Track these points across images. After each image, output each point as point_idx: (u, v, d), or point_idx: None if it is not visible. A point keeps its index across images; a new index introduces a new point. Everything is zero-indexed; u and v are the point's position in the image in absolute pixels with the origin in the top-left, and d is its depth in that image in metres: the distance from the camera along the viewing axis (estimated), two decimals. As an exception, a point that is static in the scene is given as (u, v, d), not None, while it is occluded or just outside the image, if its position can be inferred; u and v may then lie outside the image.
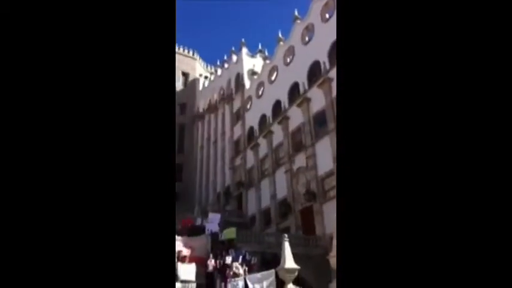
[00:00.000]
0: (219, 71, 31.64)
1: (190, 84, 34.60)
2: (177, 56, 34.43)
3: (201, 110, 32.48)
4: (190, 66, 35.62)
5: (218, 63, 33.78)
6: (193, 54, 36.63)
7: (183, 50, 36.02)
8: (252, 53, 28.16)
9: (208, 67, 37.47)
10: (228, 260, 10.81)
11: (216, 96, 30.40)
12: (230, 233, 13.21)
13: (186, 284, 9.26)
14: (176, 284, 9.32)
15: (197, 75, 35.24)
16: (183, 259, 10.88)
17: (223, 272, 10.60)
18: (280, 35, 23.18)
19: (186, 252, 11.39)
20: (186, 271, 10.18)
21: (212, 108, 30.45)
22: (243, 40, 28.43)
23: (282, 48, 22.50)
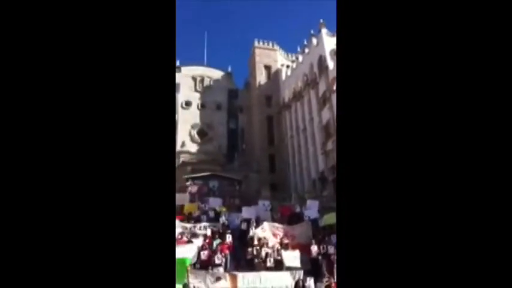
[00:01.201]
0: (300, 58, 31.12)
1: (274, 76, 34.80)
2: (257, 50, 34.99)
3: (286, 100, 32.46)
4: (272, 58, 35.79)
5: (298, 49, 33.24)
6: (272, 46, 36.71)
7: (262, 43, 36.35)
8: (333, 32, 26.92)
9: (289, 55, 37.16)
10: (331, 249, 10.54)
11: (300, 84, 30.03)
12: (330, 218, 12.86)
13: (293, 271, 9.29)
14: (282, 271, 9.42)
15: (279, 66, 35.25)
16: (286, 246, 10.97)
17: (328, 257, 10.37)
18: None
19: (288, 239, 11.47)
20: (291, 258, 10.22)
21: (297, 96, 30.18)
22: (321, 21, 27.40)
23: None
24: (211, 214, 15.48)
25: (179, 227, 12.71)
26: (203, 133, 31.96)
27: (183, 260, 8.98)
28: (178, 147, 30.08)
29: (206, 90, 33.57)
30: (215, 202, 17.42)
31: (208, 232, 12.48)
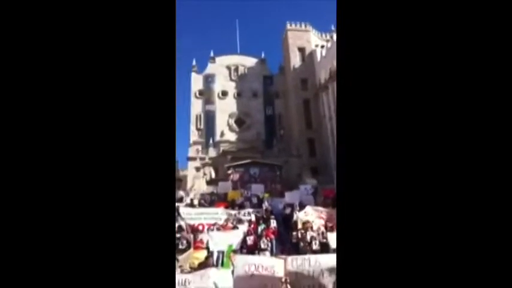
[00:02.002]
0: (335, 36, 30.15)
1: (308, 58, 34.07)
2: (289, 33, 34.37)
3: (323, 81, 31.72)
4: (305, 39, 34.98)
5: (332, 28, 32.22)
6: (305, 27, 35.84)
7: (295, 25, 35.61)
8: (368, 7, 25.68)
9: (323, 35, 36.11)
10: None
11: (336, 63, 29.19)
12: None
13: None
14: (329, 253, 9.40)
15: (313, 47, 34.41)
16: (331, 229, 10.91)
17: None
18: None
19: (332, 222, 11.39)
20: (335, 240, 10.16)
21: (334, 76, 29.36)
22: (354, -4, 26.21)
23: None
24: (255, 200, 15.72)
25: (224, 213, 13.08)
26: (241, 121, 32.25)
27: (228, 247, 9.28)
28: (217, 137, 30.67)
29: (241, 79, 33.67)
30: (257, 188, 17.65)
31: (253, 218, 12.73)
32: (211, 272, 6.16)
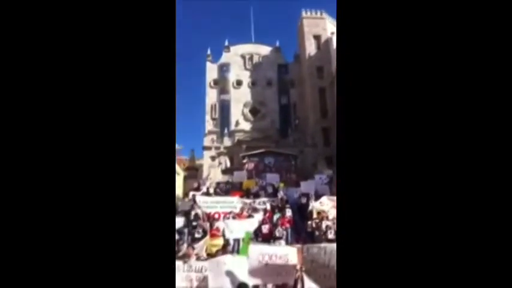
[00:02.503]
0: (351, 23, 29.49)
1: (324, 46, 33.54)
2: (305, 21, 33.86)
3: (338, 70, 31.26)
4: (321, 27, 34.40)
5: (349, 15, 31.48)
6: (320, 14, 35.20)
7: (310, 13, 35.01)
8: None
9: (339, 22, 35.38)
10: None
11: (352, 51, 28.61)
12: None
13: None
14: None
15: (329, 35, 33.82)
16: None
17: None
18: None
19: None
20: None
21: (350, 64, 28.86)
22: (372, -19, 25.49)
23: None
24: (270, 189, 15.77)
25: (240, 202, 13.20)
26: (255, 111, 32.21)
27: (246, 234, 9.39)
28: (232, 127, 30.75)
29: (256, 68, 33.50)
30: (272, 178, 17.69)
31: (268, 207, 12.79)
32: (227, 259, 6.25)
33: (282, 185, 16.37)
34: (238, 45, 34.19)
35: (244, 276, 5.64)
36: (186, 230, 11.53)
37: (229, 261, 6.04)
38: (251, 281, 5.50)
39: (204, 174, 26.25)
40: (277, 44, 35.23)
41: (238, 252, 8.79)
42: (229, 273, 5.73)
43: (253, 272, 5.62)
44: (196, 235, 10.78)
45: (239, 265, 6.00)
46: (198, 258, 6.98)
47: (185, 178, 24.15)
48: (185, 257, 7.06)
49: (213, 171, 26.04)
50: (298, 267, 5.10)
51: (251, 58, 33.80)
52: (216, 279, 5.72)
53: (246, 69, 33.51)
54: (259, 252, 5.85)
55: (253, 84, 32.97)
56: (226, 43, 34.00)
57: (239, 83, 32.82)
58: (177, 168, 22.19)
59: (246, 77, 33.24)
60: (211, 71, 32.79)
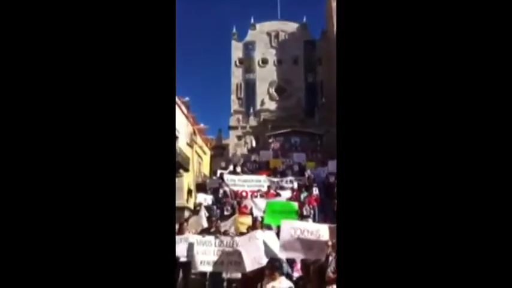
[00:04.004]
0: (382, -3, 28.15)
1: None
2: None
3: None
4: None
5: None
6: None
7: None
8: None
9: None
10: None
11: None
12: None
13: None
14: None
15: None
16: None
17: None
18: None
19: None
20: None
21: (380, 40, 27.75)
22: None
23: None
24: (296, 168, 15.80)
25: (267, 181, 13.33)
26: (281, 89, 31.83)
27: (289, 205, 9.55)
28: (258, 106, 30.67)
29: (282, 45, 32.85)
30: (299, 157, 17.67)
31: (295, 185, 12.86)
32: (258, 234, 6.38)
33: (310, 163, 16.32)
34: (264, 23, 33.56)
35: (276, 250, 5.76)
36: (214, 207, 11.84)
37: (260, 235, 6.17)
38: (283, 255, 5.61)
39: (231, 153, 26.56)
40: (304, 20, 34.26)
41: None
42: (261, 248, 5.86)
43: (285, 246, 5.73)
44: (225, 213, 11.04)
45: (270, 240, 6.12)
46: (228, 235, 7.17)
47: (212, 157, 24.54)
48: (216, 233, 7.28)
49: (239, 150, 26.29)
50: (330, 243, 5.14)
51: (277, 35, 33.11)
52: (248, 253, 5.88)
53: (271, 47, 32.94)
54: (291, 226, 5.93)
55: (279, 63, 32.43)
56: (252, 21, 33.46)
57: (264, 61, 32.39)
58: (204, 147, 22.54)
59: (271, 55, 32.72)
60: (237, 50, 32.50)
